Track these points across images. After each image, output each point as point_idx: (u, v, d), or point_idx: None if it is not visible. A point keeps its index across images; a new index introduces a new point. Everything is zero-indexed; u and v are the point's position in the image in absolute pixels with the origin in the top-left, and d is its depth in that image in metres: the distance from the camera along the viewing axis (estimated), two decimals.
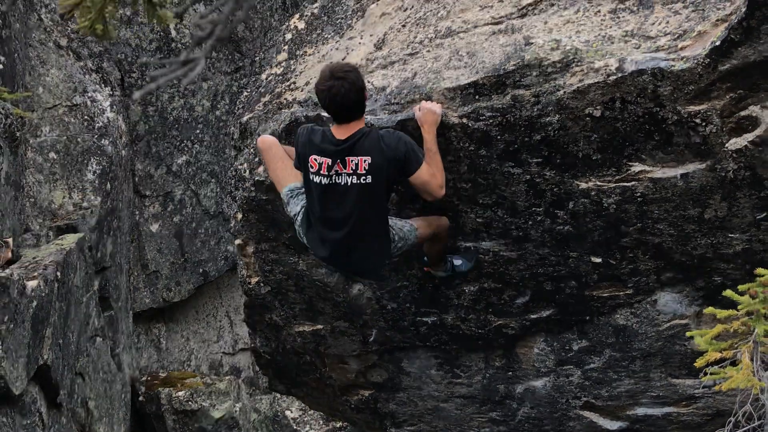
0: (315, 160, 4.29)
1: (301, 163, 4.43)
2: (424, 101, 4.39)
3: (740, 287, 3.29)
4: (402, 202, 4.99)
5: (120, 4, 0.93)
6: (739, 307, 3.18)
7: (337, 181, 4.29)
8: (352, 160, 4.23)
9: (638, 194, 4.42)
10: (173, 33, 10.50)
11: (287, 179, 4.71)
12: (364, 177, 4.24)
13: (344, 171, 4.26)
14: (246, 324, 6.50)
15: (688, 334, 3.58)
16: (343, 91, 4.10)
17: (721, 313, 3.21)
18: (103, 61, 9.55)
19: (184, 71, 0.76)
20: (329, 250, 4.58)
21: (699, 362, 3.32)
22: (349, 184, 4.27)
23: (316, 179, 4.33)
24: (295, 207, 4.66)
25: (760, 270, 3.31)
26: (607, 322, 5.36)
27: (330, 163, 4.25)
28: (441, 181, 4.32)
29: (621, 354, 5.45)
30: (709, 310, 3.31)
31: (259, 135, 5.15)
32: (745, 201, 4.28)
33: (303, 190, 4.60)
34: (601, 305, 5.25)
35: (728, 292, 3.27)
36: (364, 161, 4.21)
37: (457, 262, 5.13)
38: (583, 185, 4.50)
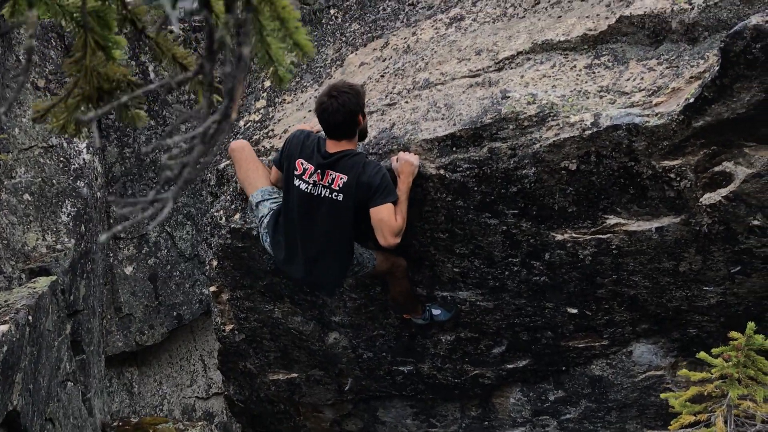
0: (302, 164, 4.35)
1: (285, 164, 4.47)
2: (402, 152, 4.40)
3: (714, 350, 3.29)
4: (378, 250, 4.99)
5: (93, 105, 0.92)
6: (713, 370, 3.18)
7: (313, 191, 4.34)
8: (330, 174, 4.29)
9: (614, 247, 4.44)
10: (152, 75, 10.51)
11: (258, 182, 4.75)
12: (336, 194, 4.30)
13: (321, 182, 4.32)
14: (220, 371, 6.43)
15: (662, 396, 3.56)
16: (331, 110, 4.17)
17: (695, 376, 3.21)
18: None
19: (152, 212, 0.75)
20: (291, 256, 4.57)
21: (673, 425, 3.30)
22: (322, 195, 4.33)
23: (298, 183, 4.37)
24: (263, 209, 4.67)
25: (733, 333, 3.32)
26: (583, 373, 5.35)
27: (312, 171, 4.32)
28: (397, 229, 4.31)
29: (597, 405, 5.43)
30: (683, 372, 3.31)
31: (236, 182, 5.15)
32: (720, 255, 4.30)
33: (274, 194, 4.64)
34: (577, 356, 5.24)
35: (702, 355, 3.27)
36: (341, 179, 4.27)
37: (436, 311, 5.12)
38: (559, 237, 4.51)
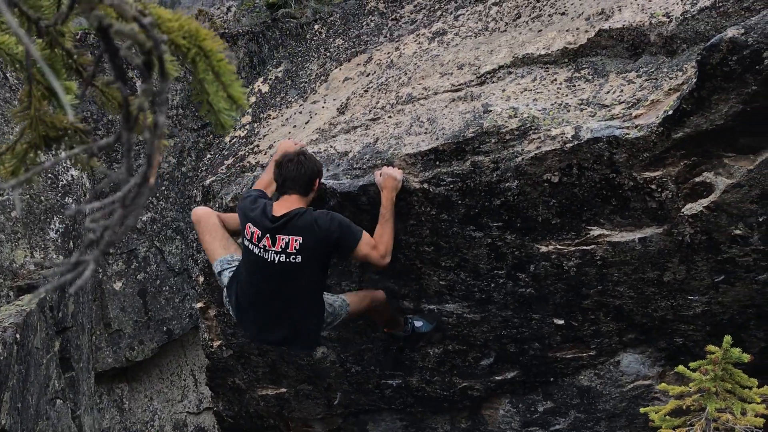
0: (249, 227, 4.28)
1: (242, 227, 4.42)
2: (385, 167, 4.41)
3: (691, 364, 3.31)
4: (364, 264, 4.99)
5: (42, 151, 0.94)
6: (690, 384, 3.19)
7: (264, 256, 4.24)
8: (282, 239, 4.18)
9: (598, 258, 4.45)
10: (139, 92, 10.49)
11: (217, 252, 4.67)
12: (294, 256, 4.19)
13: (272, 248, 4.20)
14: (209, 387, 6.41)
15: (642, 410, 3.56)
16: (296, 162, 4.18)
17: (674, 390, 3.22)
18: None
19: (74, 275, 0.77)
20: (261, 325, 4.50)
21: None
22: (276, 261, 4.21)
23: (249, 246, 4.31)
24: (225, 279, 4.61)
25: (710, 347, 3.33)
26: (572, 383, 5.36)
27: (260, 236, 4.23)
28: (383, 251, 4.29)
29: (586, 415, 5.44)
30: (662, 386, 3.32)
31: (221, 198, 5.15)
32: (703, 264, 4.32)
33: (233, 262, 4.57)
34: (565, 366, 5.25)
35: (681, 369, 3.29)
36: (296, 241, 4.17)
37: (418, 323, 5.13)
38: (544, 249, 4.53)
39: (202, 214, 4.75)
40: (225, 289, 4.61)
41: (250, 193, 4.54)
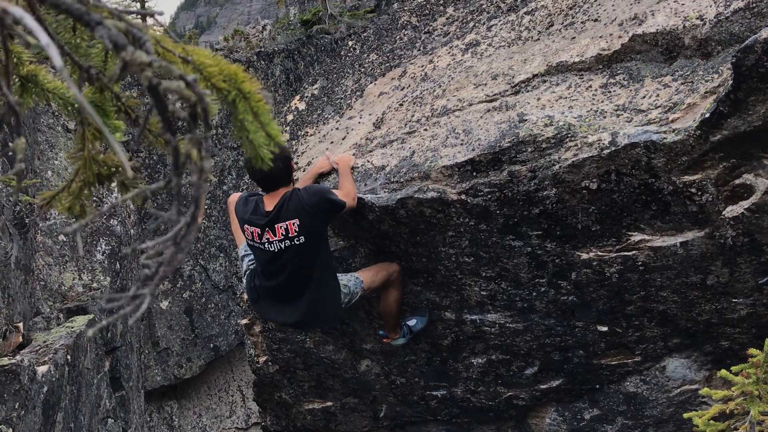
0: (248, 228, 4.50)
1: (242, 230, 4.62)
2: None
3: (733, 368, 3.27)
4: (406, 276, 5.02)
5: (95, 187, 1.00)
6: (733, 388, 3.16)
7: (269, 248, 4.44)
8: (281, 227, 4.38)
9: (640, 263, 4.42)
10: None
11: (241, 239, 4.94)
12: (297, 238, 4.39)
13: (275, 238, 4.41)
14: (256, 402, 6.48)
15: (685, 416, 3.52)
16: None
17: (717, 394, 3.19)
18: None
19: (133, 307, 0.82)
20: (279, 308, 4.67)
21: None
22: (283, 248, 4.41)
23: (254, 245, 4.53)
24: (244, 266, 4.88)
25: (751, 350, 3.29)
26: (618, 390, 5.32)
27: (260, 233, 4.44)
28: (354, 196, 4.52)
29: (633, 422, 5.39)
30: (705, 390, 3.28)
31: None
32: (746, 266, 4.27)
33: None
34: (610, 373, 5.22)
35: (723, 373, 3.25)
36: (293, 224, 4.36)
37: (411, 322, 5.16)
38: (585, 256, 4.51)
39: (232, 200, 4.96)
40: (243, 277, 4.85)
41: (240, 195, 4.73)
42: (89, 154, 0.90)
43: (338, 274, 4.71)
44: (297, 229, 4.36)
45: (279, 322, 4.77)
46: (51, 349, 6.54)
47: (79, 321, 7.41)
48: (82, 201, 0.94)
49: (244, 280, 4.84)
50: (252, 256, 4.76)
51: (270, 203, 4.44)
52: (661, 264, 4.40)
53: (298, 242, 4.38)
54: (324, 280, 4.53)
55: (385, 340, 5.27)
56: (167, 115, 0.77)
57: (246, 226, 4.49)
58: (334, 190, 4.45)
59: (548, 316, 4.93)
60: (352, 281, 4.73)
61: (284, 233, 4.37)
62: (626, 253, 4.43)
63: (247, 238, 4.55)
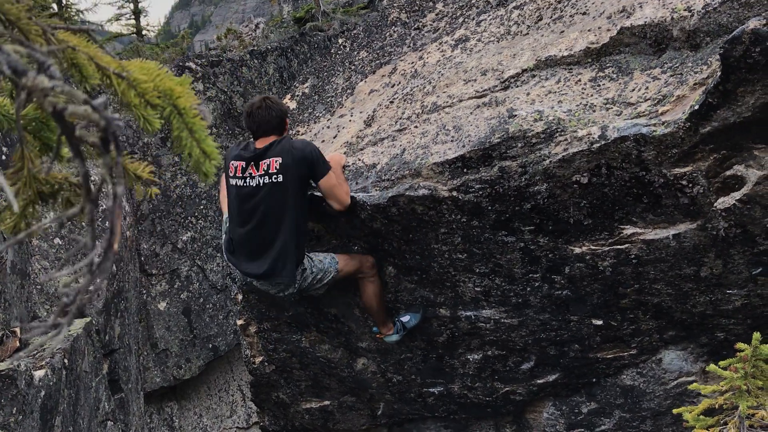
0: (233, 164, 4.63)
1: (225, 170, 4.78)
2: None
3: (721, 363, 3.26)
4: (399, 274, 5.02)
5: (43, 205, 0.99)
6: (721, 383, 3.15)
7: (249, 183, 4.57)
8: (264, 162, 4.52)
9: (633, 256, 4.41)
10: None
11: (225, 201, 5.06)
12: (275, 176, 4.50)
13: (257, 173, 4.54)
14: (254, 403, 6.48)
15: (675, 411, 3.51)
16: (264, 107, 4.59)
17: (706, 389, 3.18)
18: None
19: (51, 335, 0.81)
20: (248, 256, 4.74)
21: None
22: (261, 184, 4.54)
23: (233, 182, 4.64)
24: (224, 227, 5.02)
25: (739, 345, 3.29)
26: (614, 383, 5.32)
27: (244, 166, 4.57)
28: (347, 189, 4.59)
29: (631, 414, 5.39)
30: (694, 386, 3.28)
31: None
32: (740, 257, 4.26)
33: None
34: (607, 366, 5.21)
35: (712, 367, 3.24)
36: (276, 161, 4.49)
37: (405, 318, 5.16)
38: (578, 250, 4.50)
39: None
40: (223, 237, 4.97)
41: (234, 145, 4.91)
42: (29, 173, 0.89)
43: (314, 253, 4.81)
44: (277, 167, 4.49)
45: (248, 274, 4.80)
46: (48, 353, 6.53)
47: (77, 324, 7.40)
48: (28, 220, 0.93)
49: (224, 237, 4.96)
50: None
51: (261, 144, 4.59)
52: (654, 257, 4.39)
53: (275, 180, 4.49)
54: (291, 229, 4.57)
55: (378, 336, 5.26)
56: (75, 141, 0.76)
57: (232, 162, 4.64)
58: (331, 170, 4.56)
59: (543, 311, 4.92)
60: (328, 259, 4.80)
61: (266, 169, 4.51)
62: (619, 247, 4.42)
63: (229, 175, 4.66)
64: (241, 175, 4.59)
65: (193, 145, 0.88)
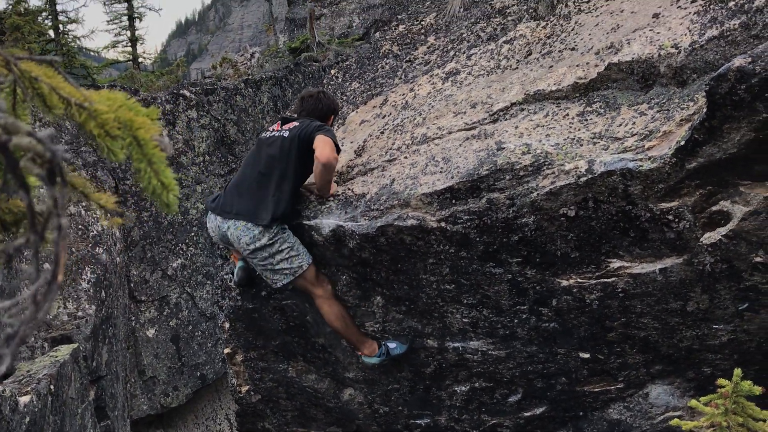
0: (271, 126, 5.31)
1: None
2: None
3: (702, 398, 3.26)
4: (387, 304, 5.02)
5: (5, 234, 1.00)
6: (702, 419, 3.15)
7: (269, 135, 5.13)
8: (287, 125, 5.12)
9: (619, 290, 4.42)
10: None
11: None
12: (285, 132, 5.03)
13: (278, 130, 5.13)
14: None
15: None
16: (316, 97, 5.29)
17: (687, 425, 3.18)
18: (97, 170, 9.71)
19: None
20: (227, 197, 5.04)
21: None
22: (276, 136, 5.06)
23: (262, 135, 5.20)
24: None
25: (720, 381, 3.29)
26: (602, 417, 5.30)
27: (280, 125, 5.17)
28: (335, 147, 4.79)
29: None
30: (675, 422, 3.27)
31: None
32: (726, 293, 4.28)
33: None
34: (594, 400, 5.20)
35: (693, 403, 3.24)
36: (293, 125, 5.07)
37: (392, 345, 5.16)
38: (565, 283, 4.51)
39: None
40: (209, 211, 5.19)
41: None
42: None
43: (299, 243, 4.91)
44: (290, 129, 5.05)
45: (226, 212, 4.94)
46: (34, 378, 6.48)
47: (64, 350, 7.36)
48: None
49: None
50: None
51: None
52: (640, 291, 4.40)
53: (283, 135, 5.03)
54: (285, 191, 4.86)
55: (360, 353, 5.26)
56: (19, 173, 0.78)
57: (272, 126, 5.32)
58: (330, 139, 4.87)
59: (530, 343, 4.92)
60: (304, 253, 4.89)
61: (282, 129, 5.13)
62: (606, 280, 4.43)
63: (262, 135, 5.27)
64: (270, 130, 5.22)
65: (152, 176, 0.89)
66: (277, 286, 4.90)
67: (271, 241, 4.72)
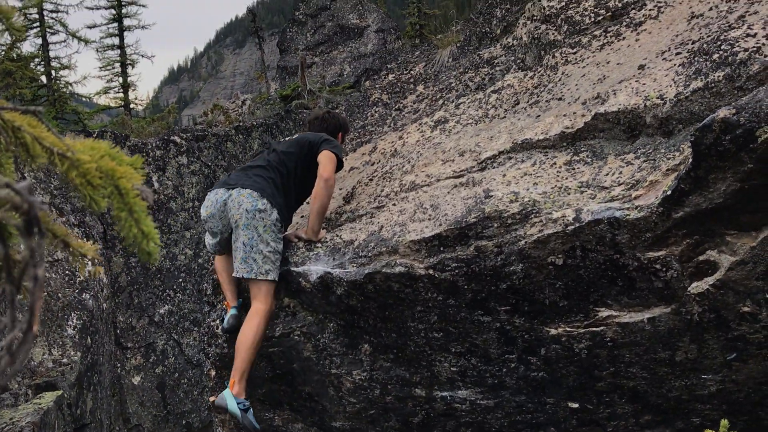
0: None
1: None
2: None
3: None
4: (375, 352, 4.98)
5: None
6: None
7: (285, 140, 5.33)
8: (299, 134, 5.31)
9: (608, 339, 4.41)
10: (155, 185, 10.70)
11: None
12: (296, 136, 5.26)
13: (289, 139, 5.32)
14: None
15: None
16: (325, 116, 5.50)
17: None
18: (85, 215, 9.69)
19: None
20: (228, 177, 5.17)
21: None
22: (287, 140, 5.30)
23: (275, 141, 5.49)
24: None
25: (724, 422, 3.26)
26: None
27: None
28: (330, 168, 4.94)
29: None
30: None
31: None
32: (714, 342, 4.27)
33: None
34: None
35: None
36: (303, 134, 5.25)
37: (251, 413, 4.91)
38: (553, 331, 4.50)
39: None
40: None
41: None
42: None
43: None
44: (299, 138, 5.24)
45: (229, 184, 5.02)
46: (17, 426, 6.39)
47: (48, 397, 7.27)
48: None
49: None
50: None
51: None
52: (629, 340, 4.39)
53: (296, 137, 5.27)
54: (280, 184, 5.01)
55: (228, 385, 4.92)
56: None
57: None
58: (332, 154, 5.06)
59: (519, 393, 4.88)
60: (276, 273, 4.86)
61: (297, 135, 5.34)
62: (594, 329, 4.42)
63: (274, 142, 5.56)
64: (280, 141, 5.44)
65: (133, 225, 0.90)
66: (238, 275, 4.87)
67: (270, 220, 4.78)
